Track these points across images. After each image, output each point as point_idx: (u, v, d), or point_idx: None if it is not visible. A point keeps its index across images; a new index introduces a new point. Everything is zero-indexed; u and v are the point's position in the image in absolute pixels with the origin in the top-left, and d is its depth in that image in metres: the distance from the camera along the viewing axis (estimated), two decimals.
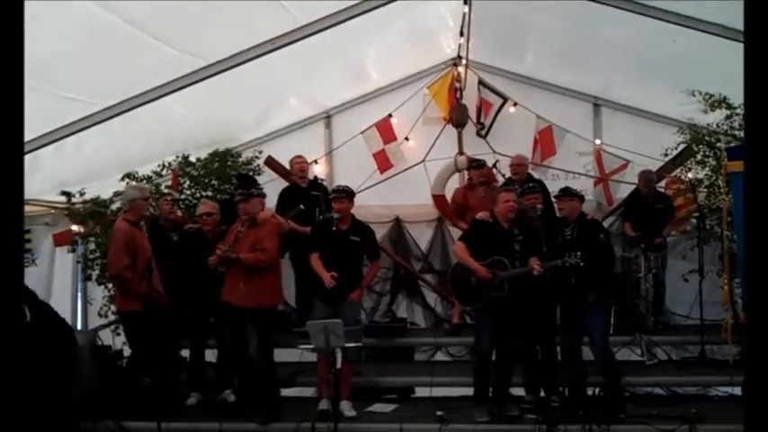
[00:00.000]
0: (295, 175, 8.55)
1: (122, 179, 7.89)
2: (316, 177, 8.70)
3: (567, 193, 6.51)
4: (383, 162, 9.45)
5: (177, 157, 8.56)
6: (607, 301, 6.70)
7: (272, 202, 8.03)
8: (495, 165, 8.71)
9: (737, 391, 7.00)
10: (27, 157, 6.02)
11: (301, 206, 7.84)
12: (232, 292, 6.54)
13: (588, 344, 6.41)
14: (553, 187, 7.78)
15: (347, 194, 6.73)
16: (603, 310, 6.53)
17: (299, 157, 8.58)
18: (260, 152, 9.28)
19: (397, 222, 9.55)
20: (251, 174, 8.90)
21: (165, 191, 7.99)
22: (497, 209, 6.44)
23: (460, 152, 9.28)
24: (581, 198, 6.61)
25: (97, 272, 8.03)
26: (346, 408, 6.56)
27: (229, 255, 6.42)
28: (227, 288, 6.59)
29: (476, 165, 8.28)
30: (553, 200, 6.93)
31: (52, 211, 8.30)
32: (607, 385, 6.50)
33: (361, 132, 9.40)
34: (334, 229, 6.61)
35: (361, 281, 6.79)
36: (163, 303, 6.63)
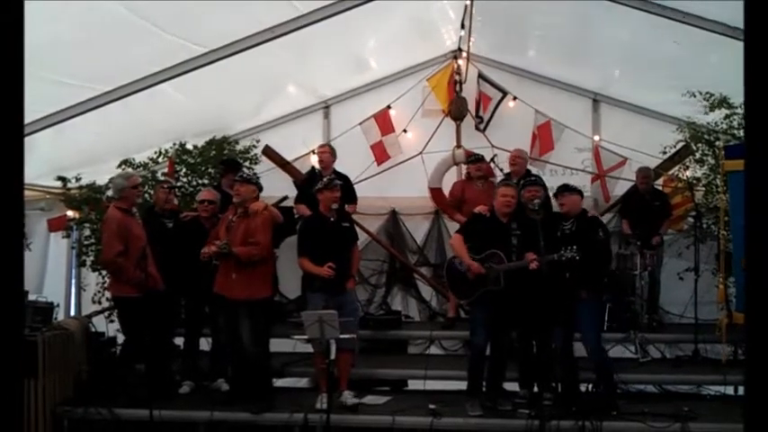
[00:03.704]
0: (318, 164, 8.26)
1: (119, 166, 7.88)
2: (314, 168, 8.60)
3: (566, 188, 6.51)
4: (381, 154, 9.43)
5: (174, 144, 8.53)
6: (601, 297, 6.71)
7: (269, 191, 7.98)
8: (492, 159, 8.69)
9: (730, 390, 7.03)
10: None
11: (286, 195, 7.77)
12: (225, 285, 6.50)
13: (580, 340, 6.42)
14: (551, 182, 7.75)
15: (341, 184, 6.78)
16: (596, 306, 6.53)
17: (323, 146, 8.29)
18: (257, 141, 9.25)
19: (394, 215, 9.54)
20: (248, 162, 8.87)
21: (162, 178, 7.96)
22: (495, 202, 6.42)
23: (458, 145, 9.26)
24: (580, 193, 6.61)
25: (91, 258, 8.02)
26: (348, 397, 6.57)
27: (224, 249, 6.35)
28: (219, 280, 6.54)
29: (473, 159, 8.26)
30: (551, 196, 6.92)
31: (47, 197, 8.27)
32: (599, 381, 6.50)
33: (360, 123, 9.37)
34: (331, 219, 6.59)
35: (351, 268, 6.79)
36: (158, 287, 6.61)
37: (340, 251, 6.56)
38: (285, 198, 7.89)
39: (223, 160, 8.45)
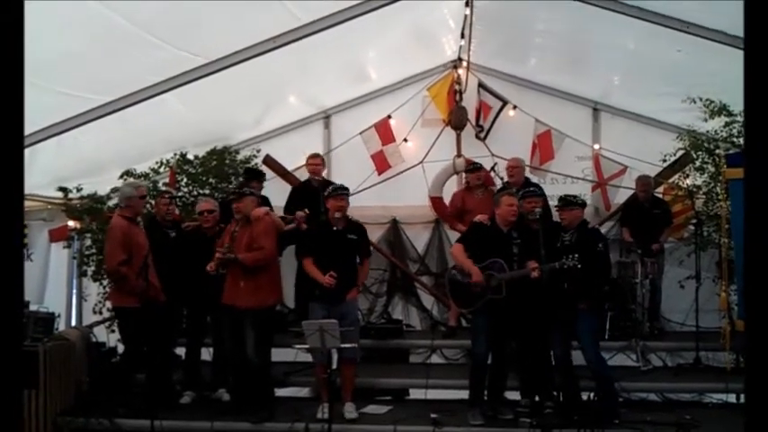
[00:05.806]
0: (309, 174, 8.43)
1: (121, 176, 7.90)
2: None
3: (567, 203, 6.47)
4: (381, 163, 9.44)
5: (175, 154, 8.54)
6: (600, 308, 6.70)
7: (272, 200, 8.02)
8: (493, 168, 8.70)
9: (732, 398, 7.01)
10: (25, 152, 6.01)
11: (306, 210, 7.80)
12: (234, 294, 6.49)
13: (579, 349, 6.41)
14: (551, 191, 7.76)
15: (347, 193, 6.74)
16: (595, 316, 6.51)
17: (314, 157, 8.39)
18: (258, 151, 9.27)
19: (394, 224, 9.53)
20: None
21: (163, 188, 7.97)
22: (499, 211, 6.41)
23: (459, 154, 9.27)
24: (582, 205, 6.59)
25: (93, 268, 8.02)
26: (350, 409, 6.56)
27: (228, 256, 6.38)
28: (228, 290, 6.53)
29: (472, 168, 8.26)
30: (553, 207, 6.91)
31: (49, 207, 8.30)
32: (599, 390, 6.49)
33: (360, 133, 9.39)
34: (335, 228, 6.58)
35: (356, 280, 6.76)
36: (159, 298, 6.61)
37: (342, 261, 6.53)
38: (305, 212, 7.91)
39: (246, 169, 8.48)
